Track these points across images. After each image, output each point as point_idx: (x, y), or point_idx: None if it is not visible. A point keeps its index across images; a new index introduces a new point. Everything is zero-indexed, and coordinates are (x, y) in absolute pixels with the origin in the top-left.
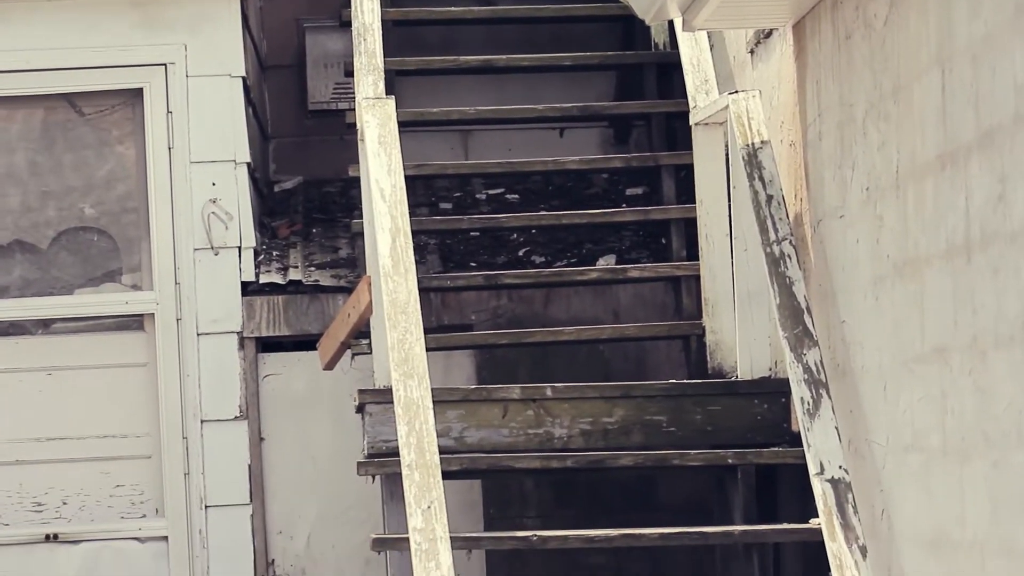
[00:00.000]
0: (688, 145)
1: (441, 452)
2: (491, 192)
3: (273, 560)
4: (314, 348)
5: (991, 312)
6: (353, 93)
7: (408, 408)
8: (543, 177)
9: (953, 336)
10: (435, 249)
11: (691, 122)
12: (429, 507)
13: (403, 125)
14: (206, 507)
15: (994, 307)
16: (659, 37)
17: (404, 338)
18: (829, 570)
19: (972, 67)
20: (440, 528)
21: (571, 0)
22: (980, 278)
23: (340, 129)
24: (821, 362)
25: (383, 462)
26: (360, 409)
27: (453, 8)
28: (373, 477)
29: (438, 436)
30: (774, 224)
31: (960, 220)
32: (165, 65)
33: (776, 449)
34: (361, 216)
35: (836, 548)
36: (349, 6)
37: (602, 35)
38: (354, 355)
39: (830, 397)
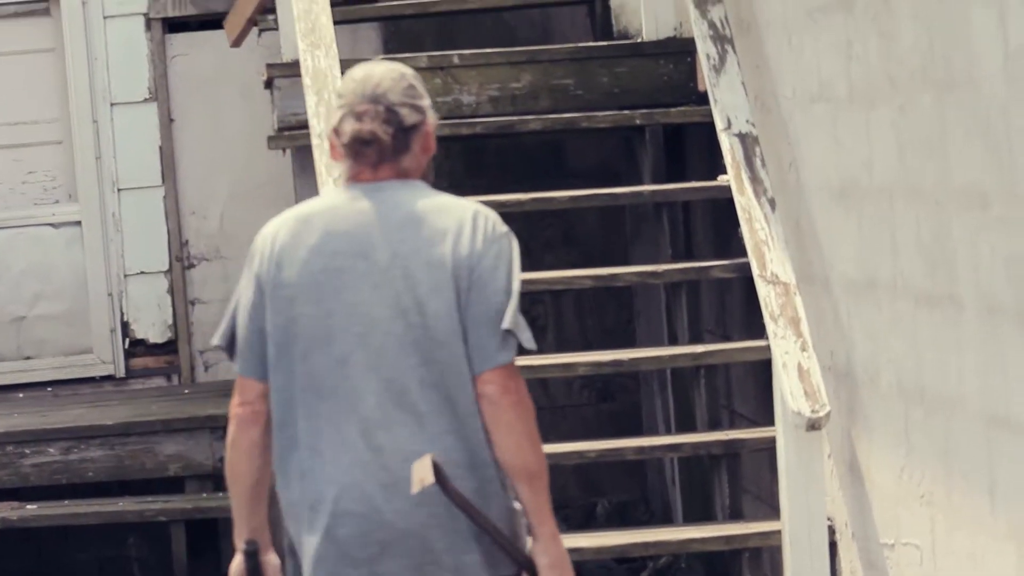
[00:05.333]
0: None
1: None
2: None
3: (187, 240)
4: (221, 27)
5: None
6: None
7: (316, 78)
8: None
9: None
10: None
11: None
12: (340, 176)
13: None
14: (119, 190)
15: None
16: None
17: (310, 8)
18: (738, 226)
19: None
20: None
21: None
22: None
23: None
24: (726, 18)
25: (293, 135)
26: (268, 84)
27: None
28: (284, 150)
29: None
30: None
31: None
32: None
33: (683, 108)
34: None
35: (745, 202)
36: None
37: None
38: (261, 31)
39: (736, 53)
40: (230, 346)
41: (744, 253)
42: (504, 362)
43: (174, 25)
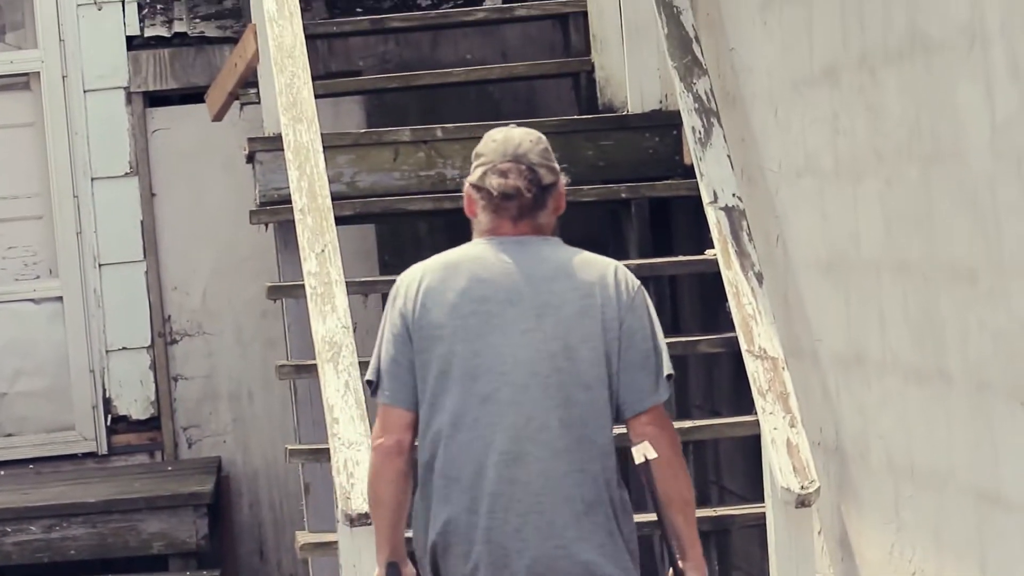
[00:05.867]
0: None
1: (333, 198)
2: None
3: (169, 316)
4: (202, 101)
5: (879, 28)
6: None
7: (298, 152)
8: None
9: (842, 55)
10: None
11: None
12: (323, 251)
13: None
14: (100, 265)
15: (882, 23)
16: None
17: (292, 82)
18: (726, 299)
19: None
20: (335, 272)
21: None
22: None
23: None
24: (711, 90)
25: (275, 210)
26: (250, 158)
27: None
28: (266, 225)
29: (330, 182)
30: None
31: None
32: None
33: (669, 182)
34: None
35: (732, 276)
36: None
37: None
38: (243, 105)
39: (721, 125)
40: (377, 380)
41: (732, 327)
42: (658, 402)
43: (155, 99)
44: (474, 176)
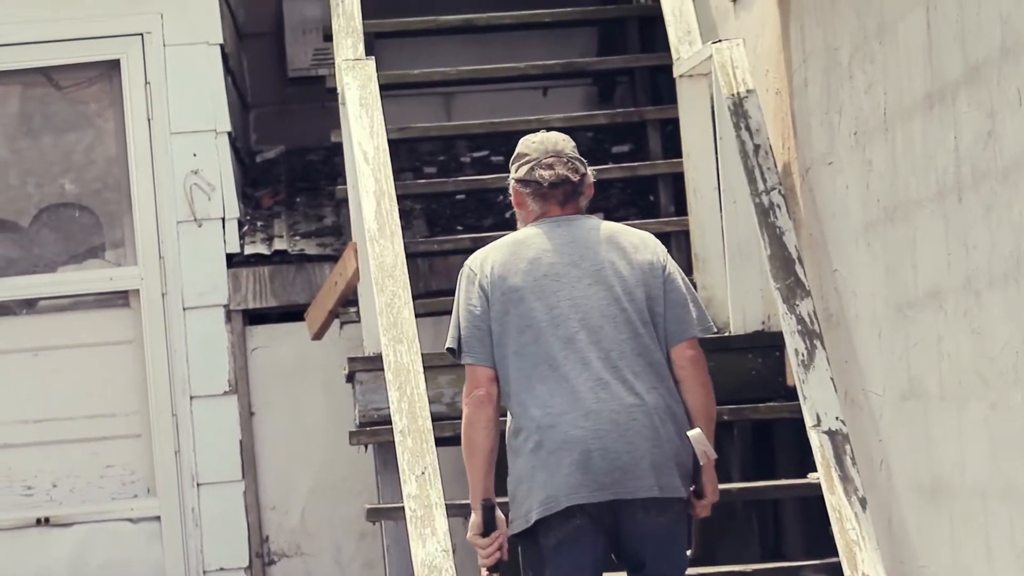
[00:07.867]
0: (673, 99)
1: (433, 419)
2: (475, 155)
3: (267, 536)
4: (302, 318)
5: (985, 251)
6: (332, 59)
7: (399, 373)
8: None
9: (947, 278)
10: (421, 214)
11: (675, 74)
12: (423, 473)
13: (384, 88)
14: (198, 485)
15: (987, 246)
16: None
17: (392, 302)
18: (829, 524)
19: (957, 1)
20: (435, 494)
21: None
22: (972, 217)
23: (321, 96)
24: (814, 312)
25: (375, 430)
26: (350, 378)
27: None
28: (366, 446)
29: (430, 403)
30: (762, 174)
31: (950, 159)
32: (142, 35)
33: (772, 404)
34: (345, 182)
35: (835, 501)
36: None
37: None
38: (343, 324)
39: (824, 348)
40: (459, 347)
41: (835, 552)
42: (697, 334)
43: (254, 317)
44: (520, 173)
